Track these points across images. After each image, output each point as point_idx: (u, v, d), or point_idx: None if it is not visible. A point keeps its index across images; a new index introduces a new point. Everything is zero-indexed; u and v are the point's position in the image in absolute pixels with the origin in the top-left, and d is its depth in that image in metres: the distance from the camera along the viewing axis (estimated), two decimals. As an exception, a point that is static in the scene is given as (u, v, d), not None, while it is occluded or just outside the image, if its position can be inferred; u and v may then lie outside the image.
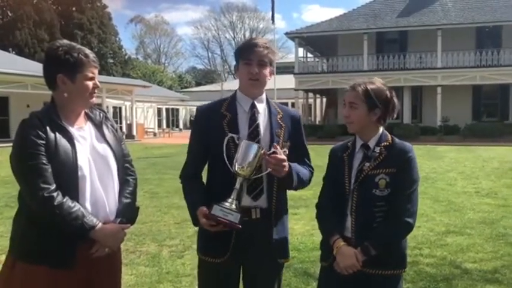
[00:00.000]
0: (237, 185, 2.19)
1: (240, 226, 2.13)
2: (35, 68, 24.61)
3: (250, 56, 2.26)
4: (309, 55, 34.68)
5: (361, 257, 2.18)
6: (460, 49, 27.38)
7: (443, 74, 27.39)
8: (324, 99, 35.47)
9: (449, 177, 11.13)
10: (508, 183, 10.06)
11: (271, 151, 2.21)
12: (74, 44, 2.12)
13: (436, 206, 7.72)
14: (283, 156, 2.19)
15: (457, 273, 4.49)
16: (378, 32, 29.67)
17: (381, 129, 2.32)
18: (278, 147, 2.22)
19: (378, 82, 2.30)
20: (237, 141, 2.21)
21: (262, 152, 2.18)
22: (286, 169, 2.21)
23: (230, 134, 2.23)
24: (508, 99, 28.43)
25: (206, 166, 2.43)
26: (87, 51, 2.12)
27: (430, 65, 27.84)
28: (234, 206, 2.15)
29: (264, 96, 2.39)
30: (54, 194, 1.93)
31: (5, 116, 26.48)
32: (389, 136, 2.32)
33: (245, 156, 2.14)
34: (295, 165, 2.31)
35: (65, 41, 2.13)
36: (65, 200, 1.95)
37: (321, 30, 30.25)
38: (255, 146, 2.16)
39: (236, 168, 2.16)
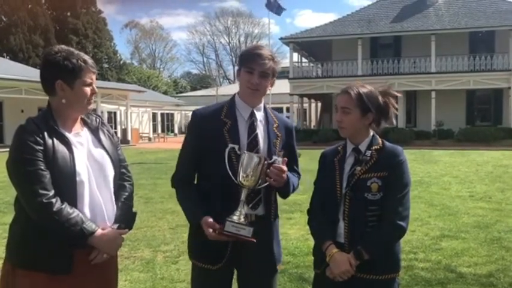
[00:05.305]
0: (243, 197, 2.17)
1: (254, 240, 2.13)
2: (29, 73, 24.56)
3: (252, 66, 2.24)
4: (304, 60, 34.80)
5: (354, 261, 2.16)
6: (454, 54, 27.59)
7: (437, 79, 27.57)
8: (319, 104, 35.57)
9: (444, 181, 11.16)
10: (502, 187, 10.11)
11: (272, 160, 2.21)
12: (72, 49, 2.10)
13: (431, 210, 7.74)
14: (285, 167, 2.20)
15: (451, 277, 4.50)
16: (372, 37, 29.86)
17: (372, 132, 2.31)
18: (279, 158, 2.21)
19: (369, 86, 2.29)
20: (239, 152, 2.19)
21: (266, 163, 2.18)
22: (285, 179, 2.23)
23: (231, 145, 2.21)
24: (501, 103, 28.62)
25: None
26: (86, 56, 2.10)
27: (424, 69, 28.02)
28: (243, 220, 2.14)
29: (262, 104, 2.38)
30: (53, 200, 1.92)
31: (-1, 121, 26.42)
32: (379, 140, 2.31)
33: (248, 168, 2.14)
34: (289, 174, 2.31)
35: (63, 46, 2.10)
36: (63, 206, 1.93)
37: (316, 35, 30.41)
38: (257, 158, 2.16)
39: (240, 179, 2.15)
